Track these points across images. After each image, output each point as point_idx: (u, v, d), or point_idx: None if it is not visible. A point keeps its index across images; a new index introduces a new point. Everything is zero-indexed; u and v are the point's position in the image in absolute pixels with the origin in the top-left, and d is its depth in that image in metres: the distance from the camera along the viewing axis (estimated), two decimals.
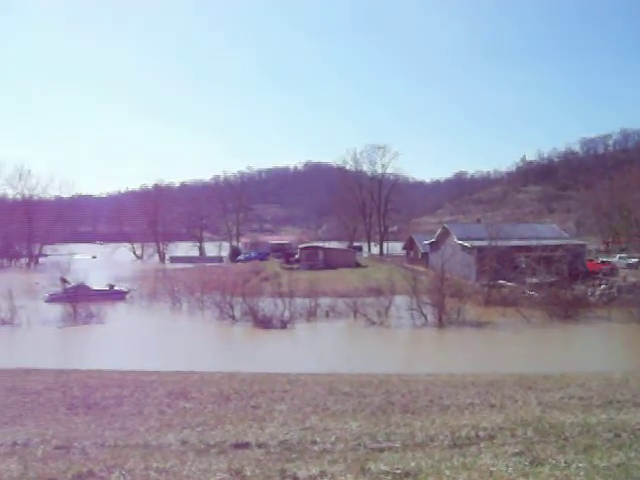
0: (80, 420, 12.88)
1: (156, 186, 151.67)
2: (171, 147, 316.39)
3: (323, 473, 6.80)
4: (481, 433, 9.89)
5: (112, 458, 7.87)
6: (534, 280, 55.95)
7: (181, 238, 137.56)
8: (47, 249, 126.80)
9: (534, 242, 62.04)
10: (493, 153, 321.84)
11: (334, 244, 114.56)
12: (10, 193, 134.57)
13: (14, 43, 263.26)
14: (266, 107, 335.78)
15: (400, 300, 50.62)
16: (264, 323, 46.91)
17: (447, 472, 6.79)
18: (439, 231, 78.49)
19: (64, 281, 57.47)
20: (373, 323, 46.80)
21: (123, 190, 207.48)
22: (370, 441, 9.50)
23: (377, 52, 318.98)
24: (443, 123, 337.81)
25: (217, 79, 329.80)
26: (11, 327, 47.79)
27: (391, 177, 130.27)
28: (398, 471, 6.84)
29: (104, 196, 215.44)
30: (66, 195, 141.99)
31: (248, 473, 6.80)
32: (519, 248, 61.87)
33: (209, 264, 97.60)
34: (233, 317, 49.73)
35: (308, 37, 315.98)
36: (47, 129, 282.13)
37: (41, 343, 42.67)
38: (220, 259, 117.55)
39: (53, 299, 56.06)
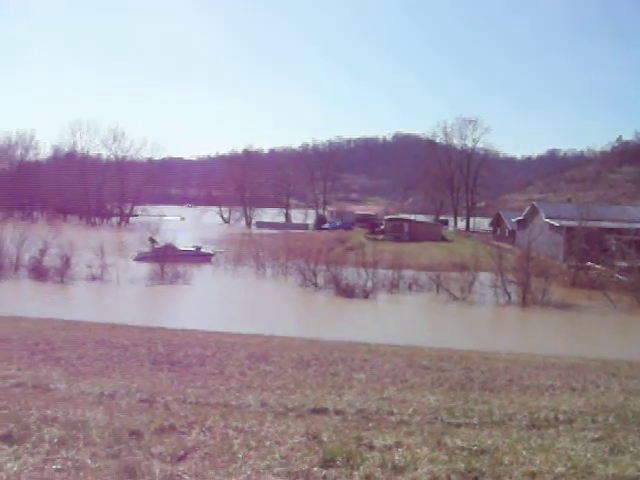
0: (164, 376, 13.23)
1: (245, 151, 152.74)
2: (262, 113, 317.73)
3: (399, 444, 6.83)
4: (560, 416, 9.75)
5: (193, 414, 8.07)
6: (624, 264, 54.35)
7: (268, 204, 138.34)
8: (138, 209, 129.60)
9: (626, 225, 60.24)
10: (587, 132, 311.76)
11: (420, 217, 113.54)
12: (104, 154, 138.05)
13: (113, 10, 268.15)
14: (357, 76, 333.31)
15: (484, 277, 50.05)
16: (346, 292, 47.08)
17: (524, 452, 6.74)
18: (528, 209, 77.02)
19: (153, 241, 58.77)
20: (455, 298, 46.46)
21: (213, 154, 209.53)
22: (447, 416, 9.48)
23: (466, 24, 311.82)
24: (536, 99, 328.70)
25: (312, 43, 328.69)
26: (101, 283, 49.30)
27: (481, 152, 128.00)
28: (474, 447, 6.82)
29: (194, 159, 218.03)
30: (157, 157, 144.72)
31: (325, 438, 6.88)
32: (610, 230, 60.19)
33: (294, 231, 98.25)
34: (316, 284, 50.08)
35: (397, 5, 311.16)
36: (142, 93, 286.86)
37: (129, 300, 43.93)
38: (305, 226, 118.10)
39: (142, 258, 57.42)
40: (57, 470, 5.29)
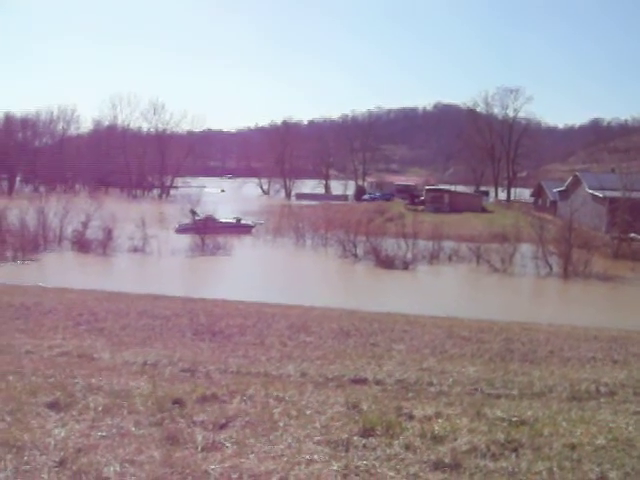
0: (205, 346, 13.40)
1: (285, 123, 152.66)
2: (301, 84, 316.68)
3: (438, 414, 6.86)
4: (602, 388, 9.68)
5: (234, 384, 8.17)
6: None
7: (307, 175, 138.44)
8: (178, 182, 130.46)
9: None
10: (632, 100, 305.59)
11: (460, 188, 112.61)
12: (145, 126, 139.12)
13: None
14: (396, 45, 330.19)
15: (525, 248, 49.66)
16: (386, 263, 47.05)
17: (564, 424, 6.72)
18: (570, 179, 75.90)
19: (194, 213, 59.21)
20: (496, 270, 46.17)
21: (252, 126, 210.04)
22: (487, 387, 9.48)
23: None
24: (581, 65, 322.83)
25: (349, 13, 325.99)
26: (142, 255, 49.91)
27: (522, 121, 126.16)
28: (514, 419, 6.82)
29: (234, 132, 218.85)
30: (197, 130, 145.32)
31: (364, 407, 6.93)
32: None
33: (334, 202, 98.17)
34: (356, 255, 50.13)
35: None
36: (181, 64, 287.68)
37: (170, 271, 44.40)
38: (345, 197, 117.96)
39: (182, 230, 57.94)
40: (102, 437, 5.42)
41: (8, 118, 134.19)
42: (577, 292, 41.75)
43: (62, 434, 5.36)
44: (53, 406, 6.34)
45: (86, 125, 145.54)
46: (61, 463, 4.73)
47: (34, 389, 7.09)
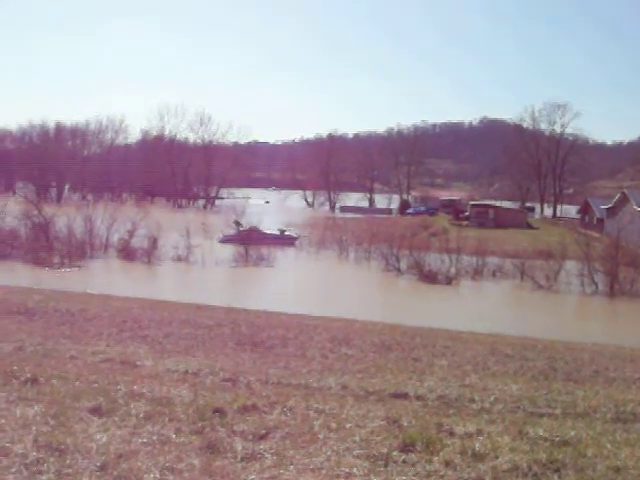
0: (247, 356, 13.45)
1: (330, 136, 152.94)
2: (347, 97, 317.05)
3: (480, 431, 6.79)
4: None
5: (275, 395, 8.18)
6: None
7: (352, 188, 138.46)
8: (223, 192, 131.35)
9: None
10: None
11: (505, 203, 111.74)
12: (191, 137, 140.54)
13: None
14: (443, 60, 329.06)
15: (571, 265, 48.94)
16: (429, 278, 46.79)
17: (608, 445, 6.60)
18: (617, 196, 74.86)
19: (238, 224, 59.58)
20: (540, 287, 45.61)
21: (297, 139, 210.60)
22: (530, 405, 9.36)
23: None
24: (630, 81, 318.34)
25: (396, 28, 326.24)
26: (186, 264, 50.33)
27: (570, 137, 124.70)
28: (557, 439, 6.72)
29: (279, 144, 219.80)
30: (243, 141, 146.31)
31: (405, 423, 6.89)
32: None
33: (378, 215, 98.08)
34: (399, 269, 49.94)
35: None
36: (228, 78, 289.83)
37: (214, 281, 44.69)
38: (389, 211, 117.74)
39: (226, 240, 58.29)
40: (143, 443, 5.46)
41: (58, 127, 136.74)
42: (623, 311, 41.04)
43: (104, 439, 5.41)
44: (96, 411, 6.41)
45: (134, 135, 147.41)
46: (102, 468, 4.78)
47: (77, 394, 7.18)
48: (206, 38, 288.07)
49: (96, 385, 7.91)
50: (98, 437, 5.47)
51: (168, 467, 4.85)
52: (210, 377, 9.85)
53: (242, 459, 5.24)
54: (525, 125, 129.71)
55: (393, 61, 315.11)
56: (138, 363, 10.88)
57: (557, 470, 5.54)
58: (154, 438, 5.62)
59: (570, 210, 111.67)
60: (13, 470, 4.60)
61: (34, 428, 5.61)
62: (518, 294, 44.92)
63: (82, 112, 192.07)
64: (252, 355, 13.69)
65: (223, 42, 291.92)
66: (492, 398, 9.60)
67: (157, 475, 4.66)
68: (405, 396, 9.36)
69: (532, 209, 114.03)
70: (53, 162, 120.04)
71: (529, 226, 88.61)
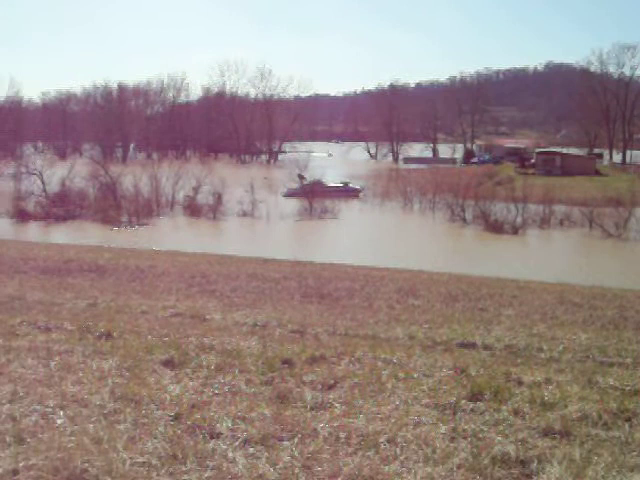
0: (314, 308, 13.57)
1: (391, 86, 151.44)
2: (408, 47, 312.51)
3: (548, 380, 6.73)
4: None
5: (342, 345, 8.24)
6: None
7: (415, 139, 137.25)
8: (286, 146, 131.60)
9: None
10: None
11: (573, 150, 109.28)
12: (252, 92, 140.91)
13: None
14: (507, 3, 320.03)
15: None
16: (495, 227, 46.32)
17: None
18: None
19: (301, 177, 59.72)
20: (610, 235, 44.71)
21: (359, 90, 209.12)
22: (599, 354, 9.24)
23: None
24: None
25: None
26: (252, 219, 50.77)
27: None
28: (627, 388, 6.62)
29: (340, 96, 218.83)
30: (304, 95, 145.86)
31: (472, 372, 6.88)
32: None
33: (442, 165, 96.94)
34: (464, 220, 49.53)
35: None
36: (287, 31, 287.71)
37: (279, 235, 45.03)
38: (453, 161, 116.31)
39: (291, 194, 58.54)
40: (215, 394, 5.58)
41: (121, 88, 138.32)
42: None
43: (177, 390, 5.55)
44: (168, 364, 6.56)
45: (195, 92, 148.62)
46: (176, 418, 4.90)
47: (150, 347, 7.35)
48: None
49: (167, 339, 8.08)
50: (171, 388, 5.60)
51: (239, 416, 4.95)
52: (278, 329, 9.96)
53: (311, 408, 5.31)
54: (592, 69, 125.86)
55: (454, 7, 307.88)
56: (207, 317, 11.07)
57: (628, 419, 5.47)
58: (225, 389, 5.73)
59: None
60: (93, 420, 4.76)
61: (110, 380, 5.77)
62: (587, 242, 44.14)
63: (144, 72, 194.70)
64: (319, 307, 13.81)
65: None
66: (561, 347, 9.51)
67: (229, 424, 4.76)
68: (472, 346, 9.34)
69: (600, 155, 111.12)
70: (117, 122, 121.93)
71: (597, 173, 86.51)
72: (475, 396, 5.86)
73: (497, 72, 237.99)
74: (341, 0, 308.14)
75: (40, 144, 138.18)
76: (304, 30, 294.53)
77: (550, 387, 6.44)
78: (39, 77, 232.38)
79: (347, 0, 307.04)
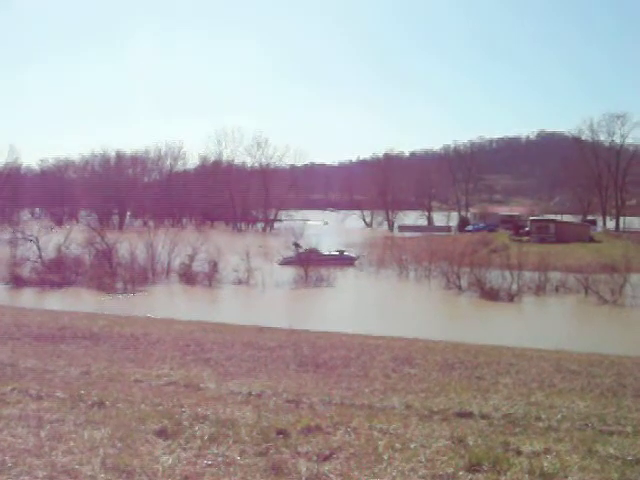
0: (309, 377, 13.46)
1: (386, 155, 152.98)
2: (402, 116, 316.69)
3: (547, 450, 6.65)
4: None
5: (338, 415, 8.16)
6: None
7: (410, 207, 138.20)
8: (282, 215, 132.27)
9: None
10: None
11: (566, 217, 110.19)
12: (249, 161, 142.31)
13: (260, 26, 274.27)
14: (496, 78, 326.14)
15: (636, 279, 47.83)
16: (491, 295, 46.28)
17: None
18: None
19: (297, 245, 59.82)
20: (605, 301, 44.66)
21: (354, 159, 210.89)
22: (599, 423, 9.14)
23: (616, 13, 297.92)
24: None
25: (448, 48, 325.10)
26: (247, 287, 50.67)
27: (630, 148, 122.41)
28: (629, 457, 6.54)
29: (335, 165, 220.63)
30: (300, 164, 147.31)
31: (470, 442, 6.80)
32: None
33: (437, 233, 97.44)
34: (459, 287, 49.50)
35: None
36: (284, 103, 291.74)
37: (274, 303, 44.88)
38: (448, 229, 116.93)
39: (286, 262, 58.59)
40: (208, 465, 5.49)
41: (119, 156, 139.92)
42: None
43: (169, 461, 5.47)
44: (161, 434, 6.47)
45: (192, 161, 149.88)
46: None
47: (143, 417, 7.27)
48: (261, 65, 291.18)
49: (161, 408, 8.00)
50: (164, 459, 5.52)
51: None
52: (273, 398, 9.88)
53: None
54: (584, 137, 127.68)
55: (446, 80, 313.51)
56: (202, 385, 10.98)
57: None
58: (219, 460, 5.65)
59: (633, 222, 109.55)
60: None
61: (101, 450, 5.69)
62: (583, 309, 44.10)
63: (142, 140, 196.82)
64: (314, 376, 13.70)
65: (278, 68, 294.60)
66: (559, 416, 9.41)
67: None
68: (470, 415, 9.24)
69: (594, 222, 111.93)
70: (115, 190, 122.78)
71: (592, 240, 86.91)
72: (473, 467, 5.79)
73: (490, 141, 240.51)
74: (339, 70, 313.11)
75: (37, 210, 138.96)
76: (300, 100, 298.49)
77: (549, 457, 6.37)
78: (38, 144, 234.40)
79: (345, 69, 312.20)
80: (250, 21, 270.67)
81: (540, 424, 8.82)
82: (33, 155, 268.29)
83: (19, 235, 58.11)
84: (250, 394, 10.26)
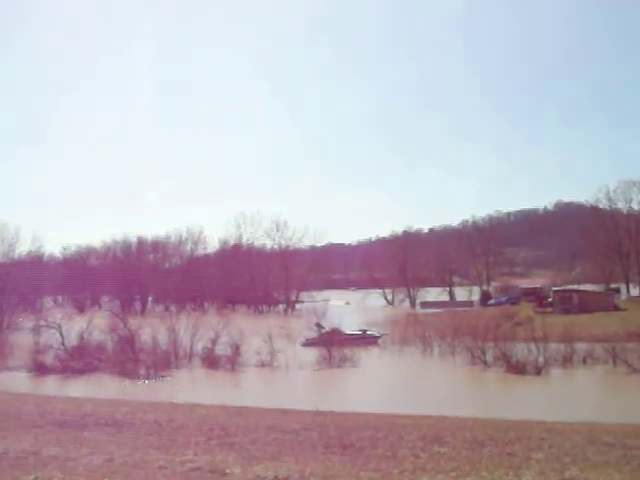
0: (336, 459, 13.19)
1: (405, 232, 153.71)
2: (419, 193, 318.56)
3: None
4: None
5: None
6: None
7: (430, 283, 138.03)
8: (303, 296, 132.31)
9: None
10: None
11: (589, 287, 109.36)
12: (268, 244, 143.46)
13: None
14: (512, 149, 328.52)
15: None
16: (517, 369, 45.62)
17: None
18: None
19: (319, 326, 59.57)
20: (635, 370, 43.86)
21: (373, 237, 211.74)
22: None
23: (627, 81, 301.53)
24: None
25: (460, 119, 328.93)
26: (270, 369, 50.30)
27: None
28: None
29: (355, 244, 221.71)
30: (319, 244, 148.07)
31: None
32: None
33: (459, 309, 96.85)
34: (485, 362, 48.86)
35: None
36: (302, 187, 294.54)
37: (298, 385, 44.51)
38: (470, 303, 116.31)
39: (309, 343, 58.32)
40: None
41: (140, 242, 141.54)
42: None
43: None
44: None
45: (213, 245, 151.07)
46: None
47: None
48: (279, 147, 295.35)
49: None
50: None
51: None
52: None
53: None
54: (601, 205, 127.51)
55: (462, 154, 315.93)
56: (227, 471, 10.81)
57: None
58: None
59: None
60: None
61: None
62: (612, 379, 43.30)
63: (162, 226, 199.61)
64: (342, 458, 13.43)
65: (295, 149, 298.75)
66: None
67: None
68: None
69: (618, 290, 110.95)
70: (136, 275, 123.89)
71: (616, 308, 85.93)
72: None
73: (508, 214, 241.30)
74: (353, 149, 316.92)
75: (60, 297, 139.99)
76: (317, 182, 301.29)
77: None
78: (60, 231, 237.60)
79: (359, 149, 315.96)
80: (261, 105, 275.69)
81: None
82: (55, 243, 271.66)
83: (42, 323, 58.59)
84: (276, 478, 10.09)
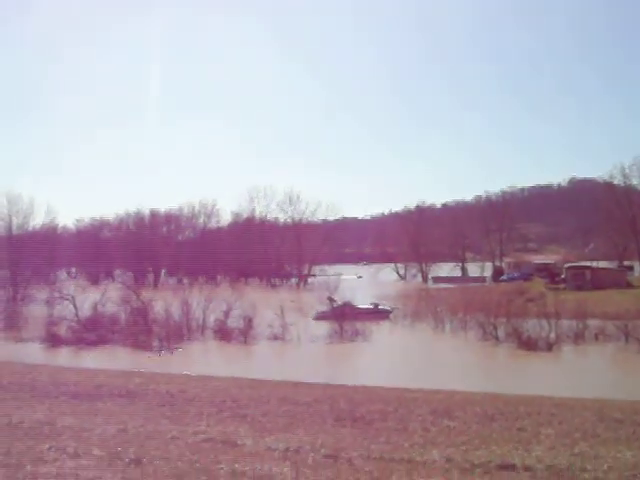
0: (347, 432, 13.28)
1: (418, 207, 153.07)
2: (433, 168, 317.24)
3: None
4: None
5: (377, 470, 8.03)
6: None
7: (443, 258, 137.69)
8: (315, 269, 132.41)
9: None
10: None
11: (602, 263, 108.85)
12: (281, 217, 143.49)
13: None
14: (527, 126, 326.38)
15: None
16: (528, 345, 45.54)
17: None
18: None
19: (331, 300, 59.58)
20: None
21: (386, 212, 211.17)
22: None
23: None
24: None
25: (475, 96, 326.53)
26: (282, 342, 50.46)
27: None
28: None
29: (368, 218, 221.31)
30: (332, 218, 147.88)
31: None
32: None
33: (472, 284, 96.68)
34: (497, 338, 48.82)
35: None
36: (316, 160, 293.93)
37: (310, 358, 44.64)
38: (483, 279, 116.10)
39: (321, 317, 58.36)
40: None
41: (153, 214, 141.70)
42: None
43: None
44: None
45: (225, 218, 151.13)
46: None
47: (180, 474, 7.19)
48: (293, 119, 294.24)
49: (198, 465, 7.91)
50: None
51: None
52: (311, 454, 9.75)
53: None
54: (616, 182, 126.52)
55: (476, 130, 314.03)
56: (239, 442, 10.89)
57: None
58: None
59: None
60: None
61: None
62: (624, 357, 43.17)
63: (175, 198, 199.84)
64: (352, 430, 13.52)
65: (312, 120, 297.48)
66: (605, 467, 9.17)
67: None
68: (512, 467, 9.05)
69: (631, 267, 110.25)
70: (149, 248, 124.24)
71: (629, 285, 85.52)
72: None
73: (522, 189, 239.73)
74: (372, 120, 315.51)
75: (73, 270, 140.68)
76: (331, 161, 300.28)
77: None
78: (74, 204, 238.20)
79: (377, 118, 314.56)
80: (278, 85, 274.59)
81: (586, 475, 8.60)
82: (69, 214, 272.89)
83: (56, 295, 58.91)
84: (288, 450, 10.14)
